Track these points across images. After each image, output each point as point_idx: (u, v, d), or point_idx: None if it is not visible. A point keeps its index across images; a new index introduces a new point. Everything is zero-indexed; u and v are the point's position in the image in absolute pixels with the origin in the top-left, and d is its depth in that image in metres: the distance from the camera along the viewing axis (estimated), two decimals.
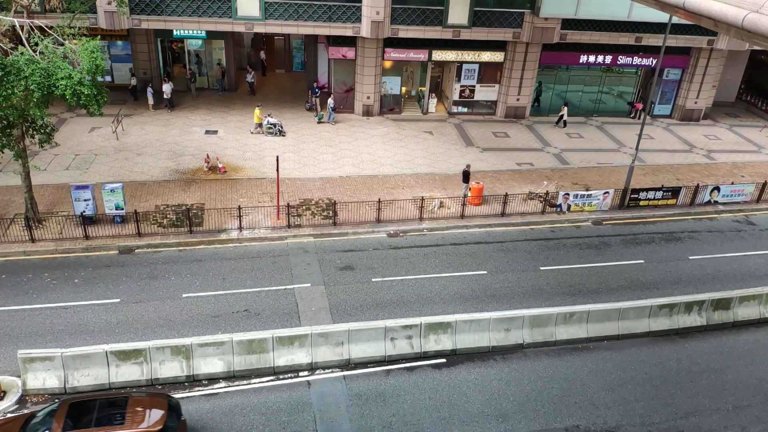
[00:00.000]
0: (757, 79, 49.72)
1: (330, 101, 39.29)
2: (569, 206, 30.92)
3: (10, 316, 21.53)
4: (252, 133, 37.09)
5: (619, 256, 27.83)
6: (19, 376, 18.64)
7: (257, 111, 37.22)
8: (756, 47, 41.86)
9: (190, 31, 38.23)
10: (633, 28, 39.70)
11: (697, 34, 40.18)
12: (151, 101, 39.14)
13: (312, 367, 20.08)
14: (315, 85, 41.14)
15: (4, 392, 18.35)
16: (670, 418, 19.35)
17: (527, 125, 41.71)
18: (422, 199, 29.26)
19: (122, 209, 26.70)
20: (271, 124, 37.06)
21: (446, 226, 29.02)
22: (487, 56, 40.67)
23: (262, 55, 47.88)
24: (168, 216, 27.72)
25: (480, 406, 19.17)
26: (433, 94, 42.91)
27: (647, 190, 32.00)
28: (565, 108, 41.49)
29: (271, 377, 19.76)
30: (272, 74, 48.44)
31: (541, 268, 26.44)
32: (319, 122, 39.26)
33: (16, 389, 18.49)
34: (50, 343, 20.35)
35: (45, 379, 18.51)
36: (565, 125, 41.69)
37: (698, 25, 20.66)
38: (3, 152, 24.55)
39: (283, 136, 37.10)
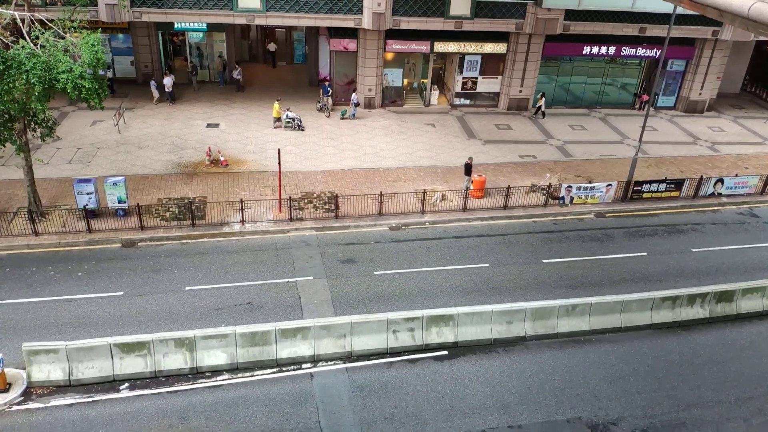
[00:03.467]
0: (762, 70, 49.50)
1: (354, 96, 38.96)
2: (572, 199, 30.87)
3: (14, 309, 21.61)
4: (274, 127, 37.00)
5: (622, 249, 27.80)
6: (24, 369, 18.71)
7: (276, 105, 37.12)
8: (761, 38, 41.67)
9: (191, 24, 38.17)
10: (637, 18, 39.52)
11: (701, 24, 40.00)
12: (155, 94, 39.12)
13: (314, 360, 20.14)
14: (326, 84, 40.38)
15: (9, 384, 18.43)
16: (672, 410, 19.37)
17: (530, 117, 41.59)
18: (424, 192, 29.25)
19: (125, 202, 26.74)
20: (290, 119, 36.93)
21: (448, 219, 29.00)
22: (489, 48, 40.53)
23: (272, 47, 47.71)
24: (170, 209, 27.75)
25: (482, 398, 19.22)
26: (435, 86, 42.79)
27: (650, 182, 31.92)
28: (543, 99, 41.27)
29: (274, 369, 19.82)
30: (271, 67, 48.36)
31: (544, 261, 26.42)
32: (342, 118, 38.95)
33: (21, 381, 18.56)
34: (54, 335, 20.42)
35: (50, 372, 18.59)
36: (543, 115, 41.45)
37: (703, 15, 20.56)
38: (5, 146, 24.58)
39: (302, 130, 36.96)
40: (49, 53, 22.05)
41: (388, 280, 24.45)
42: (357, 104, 39.08)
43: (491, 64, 41.79)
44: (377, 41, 38.56)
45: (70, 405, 18.14)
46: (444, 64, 43.44)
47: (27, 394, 18.36)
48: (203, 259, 25.00)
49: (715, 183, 32.69)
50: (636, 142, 33.73)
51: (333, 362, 20.21)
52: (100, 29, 25.14)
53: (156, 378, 19.18)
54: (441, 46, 39.92)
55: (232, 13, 35.98)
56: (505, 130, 39.41)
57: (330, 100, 39.81)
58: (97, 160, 31.79)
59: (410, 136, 37.46)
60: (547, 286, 24.77)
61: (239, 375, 19.54)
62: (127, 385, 18.91)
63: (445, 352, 20.93)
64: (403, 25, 37.59)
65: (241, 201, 27.08)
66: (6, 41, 22.66)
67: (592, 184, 31.13)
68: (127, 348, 18.94)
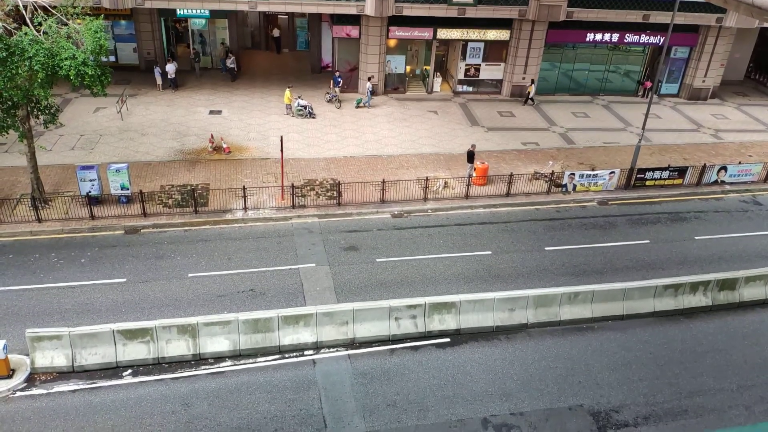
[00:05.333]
0: (766, 57, 49.20)
1: (368, 85, 38.67)
2: (575, 186, 30.82)
3: (17, 295, 21.68)
4: (286, 115, 36.89)
5: (625, 237, 27.78)
6: (28, 355, 18.78)
7: (288, 92, 36.96)
8: (766, 25, 41.42)
9: (194, 11, 37.99)
10: (640, 5, 39.30)
11: (705, 11, 39.75)
12: (159, 81, 39.05)
13: (317, 346, 20.19)
14: (337, 74, 39.55)
15: (13, 370, 18.52)
16: (674, 398, 19.42)
17: (533, 104, 41.44)
18: (426, 179, 29.20)
19: (127, 189, 26.75)
20: (301, 106, 36.75)
21: (451, 206, 28.99)
22: (492, 34, 40.34)
23: (276, 32, 47.51)
24: (173, 196, 27.77)
25: (484, 386, 19.28)
26: (438, 73, 42.64)
27: (653, 169, 31.84)
28: (533, 86, 41.06)
29: (277, 356, 19.89)
30: (274, 53, 48.19)
31: (546, 249, 26.42)
32: (357, 107, 38.64)
33: (25, 368, 18.66)
34: (57, 322, 20.51)
35: (53, 358, 18.67)
36: (531, 102, 41.20)
37: (707, 1, 20.43)
38: (8, 133, 24.58)
39: (313, 118, 36.82)
40: (51, 40, 22.03)
41: (391, 267, 24.47)
42: (372, 93, 38.78)
43: (494, 51, 41.61)
44: (380, 28, 38.37)
45: (74, 391, 18.24)
46: (447, 51, 43.25)
47: (30, 381, 18.46)
48: (206, 246, 25.03)
49: (719, 171, 32.60)
50: (639, 130, 33.67)
51: (335, 349, 20.27)
52: (102, 16, 25.09)
53: (159, 364, 19.26)
54: (444, 33, 39.71)
55: (234, 0, 35.78)
56: (507, 118, 39.30)
57: (339, 91, 39.25)
58: (100, 147, 31.78)
59: (413, 123, 37.37)
60: (549, 274, 24.78)
61: (242, 362, 19.61)
62: (130, 371, 19.00)
63: (448, 340, 20.99)
64: (406, 12, 37.37)
65: (244, 188, 27.08)
66: (9, 28, 22.60)
67: (595, 172, 31.07)
68: (130, 334, 19.00)
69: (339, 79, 39.35)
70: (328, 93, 39.53)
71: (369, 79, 39.13)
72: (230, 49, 42.07)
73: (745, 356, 21.30)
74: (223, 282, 23.03)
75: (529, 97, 41.06)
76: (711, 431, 18.53)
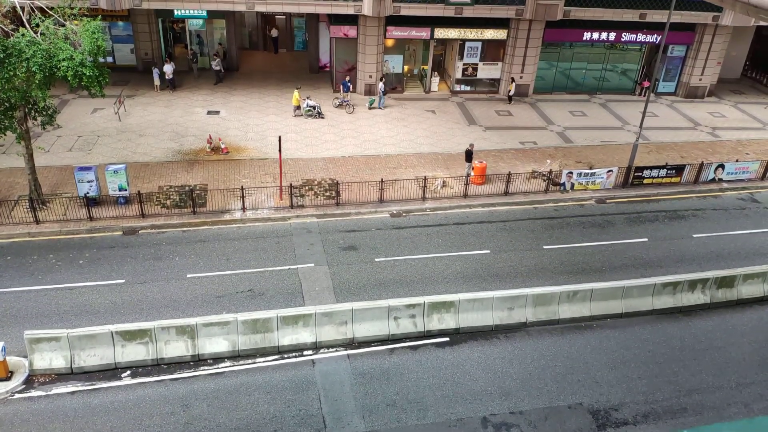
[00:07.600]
0: (763, 55, 49.31)
1: (381, 85, 38.60)
2: (573, 185, 30.84)
3: (16, 297, 21.65)
4: (294, 115, 36.87)
5: (623, 235, 27.80)
6: (26, 357, 18.75)
7: (296, 93, 36.93)
8: (762, 23, 41.49)
9: (191, 11, 37.96)
10: (637, 4, 39.37)
11: (701, 10, 39.82)
12: (157, 82, 39.03)
13: (316, 346, 20.18)
14: (347, 79, 39.11)
15: (12, 372, 18.48)
16: (673, 396, 19.44)
17: (530, 103, 41.50)
18: (425, 178, 29.21)
19: (125, 190, 26.73)
20: (310, 107, 36.71)
21: (449, 205, 29.00)
22: (490, 34, 40.35)
23: (274, 32, 47.54)
24: (171, 197, 27.74)
25: (483, 384, 19.28)
26: (436, 73, 42.65)
27: (651, 168, 31.87)
28: (513, 84, 41.05)
29: (276, 356, 19.88)
30: (272, 53, 48.19)
31: (545, 247, 26.43)
32: (370, 108, 38.56)
33: (24, 369, 18.62)
34: (56, 323, 20.47)
35: (51, 360, 18.65)
36: (510, 100, 41.27)
37: (704, 0, 20.44)
38: (6, 134, 24.55)
39: (322, 118, 36.78)
40: (49, 41, 22.01)
41: (390, 266, 24.47)
42: (384, 93, 38.77)
43: (492, 51, 41.63)
44: (377, 28, 38.37)
45: (72, 393, 18.21)
46: (444, 51, 43.26)
47: (29, 382, 18.42)
48: (204, 247, 25.02)
49: (716, 168, 32.64)
50: (637, 128, 33.67)
51: (335, 349, 20.27)
52: (99, 17, 25.09)
53: (158, 365, 19.23)
54: (441, 33, 39.72)
55: (232, 0, 35.75)
56: (505, 117, 39.32)
57: (349, 95, 38.88)
58: (97, 148, 31.75)
59: (411, 122, 37.38)
60: (548, 273, 24.79)
61: (241, 362, 19.60)
62: (128, 372, 18.97)
63: (447, 339, 20.99)
64: (404, 12, 37.38)
65: (242, 188, 27.06)
66: (6, 29, 22.58)
67: (592, 170, 31.10)
68: (129, 335, 18.98)
69: (348, 84, 39.06)
70: (336, 98, 39.06)
71: (381, 79, 39.04)
72: (218, 51, 41.81)
73: (743, 354, 21.33)
74: (221, 282, 23.01)
75: (510, 95, 41.04)
76: (709, 426, 18.57)
